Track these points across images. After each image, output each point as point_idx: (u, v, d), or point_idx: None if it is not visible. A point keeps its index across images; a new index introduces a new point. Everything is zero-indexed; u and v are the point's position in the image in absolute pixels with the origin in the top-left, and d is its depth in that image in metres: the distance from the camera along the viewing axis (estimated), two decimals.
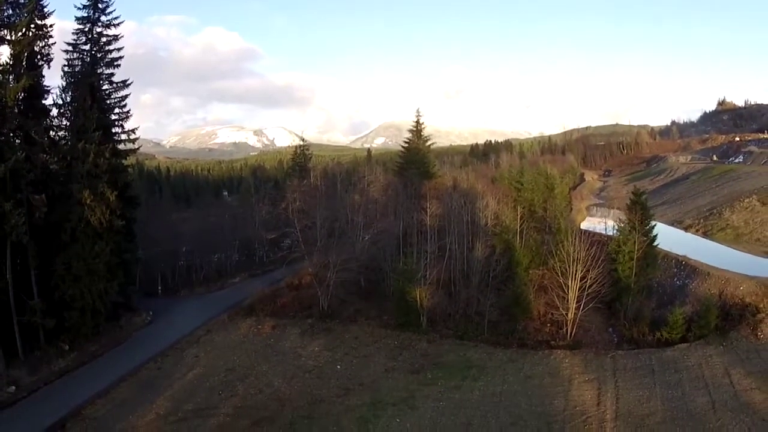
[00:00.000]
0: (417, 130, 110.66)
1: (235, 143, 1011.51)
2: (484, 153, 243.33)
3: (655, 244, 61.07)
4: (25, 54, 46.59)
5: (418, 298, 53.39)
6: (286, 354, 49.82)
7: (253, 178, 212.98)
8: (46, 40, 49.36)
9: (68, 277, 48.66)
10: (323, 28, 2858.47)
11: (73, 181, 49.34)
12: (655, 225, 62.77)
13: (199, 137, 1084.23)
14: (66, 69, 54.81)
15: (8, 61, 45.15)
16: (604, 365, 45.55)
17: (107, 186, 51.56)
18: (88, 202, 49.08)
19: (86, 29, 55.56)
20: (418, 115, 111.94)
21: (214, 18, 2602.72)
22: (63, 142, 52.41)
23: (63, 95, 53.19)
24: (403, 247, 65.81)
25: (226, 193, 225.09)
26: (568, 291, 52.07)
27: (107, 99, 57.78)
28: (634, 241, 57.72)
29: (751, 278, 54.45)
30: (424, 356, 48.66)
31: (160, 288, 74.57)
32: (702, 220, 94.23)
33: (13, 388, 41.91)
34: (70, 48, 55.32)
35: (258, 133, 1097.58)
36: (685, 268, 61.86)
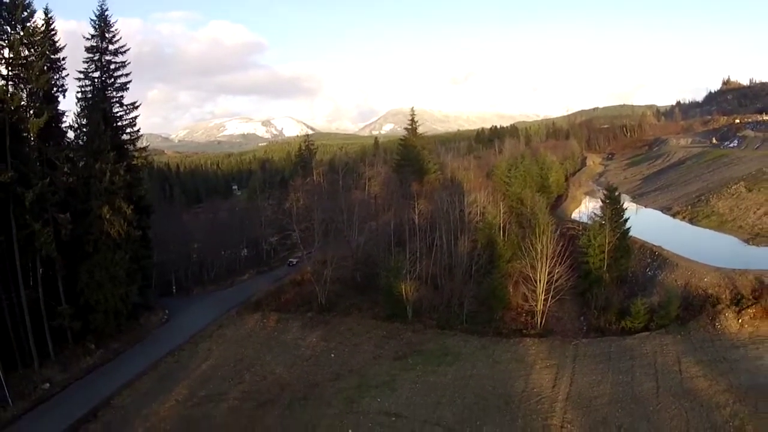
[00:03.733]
0: (412, 128, 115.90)
1: (243, 134, 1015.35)
2: (489, 139, 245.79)
3: (629, 235, 65.53)
4: (43, 90, 51.96)
5: (404, 292, 58.93)
6: (287, 345, 56.02)
7: (261, 172, 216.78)
8: (60, 72, 55.13)
9: (92, 283, 54.60)
10: (328, 15, 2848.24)
11: (92, 198, 55.06)
12: (628, 218, 66.56)
13: (208, 130, 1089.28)
14: (79, 95, 60.77)
15: (27, 99, 50.60)
16: (566, 352, 50.08)
17: (123, 200, 57.40)
18: (107, 216, 54.92)
19: (95, 58, 61.23)
20: (413, 114, 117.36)
21: (218, 11, 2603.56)
22: (81, 162, 57.97)
23: (78, 119, 59.28)
24: (394, 244, 71.11)
25: (235, 188, 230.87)
26: (537, 284, 57.00)
27: (119, 120, 63.50)
28: (605, 235, 62.26)
29: (716, 270, 56.80)
30: (408, 344, 54.39)
31: (174, 288, 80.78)
32: (689, 207, 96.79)
33: (48, 384, 47.44)
34: (82, 76, 61.01)
35: (266, 123, 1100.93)
36: (658, 258, 65.21)
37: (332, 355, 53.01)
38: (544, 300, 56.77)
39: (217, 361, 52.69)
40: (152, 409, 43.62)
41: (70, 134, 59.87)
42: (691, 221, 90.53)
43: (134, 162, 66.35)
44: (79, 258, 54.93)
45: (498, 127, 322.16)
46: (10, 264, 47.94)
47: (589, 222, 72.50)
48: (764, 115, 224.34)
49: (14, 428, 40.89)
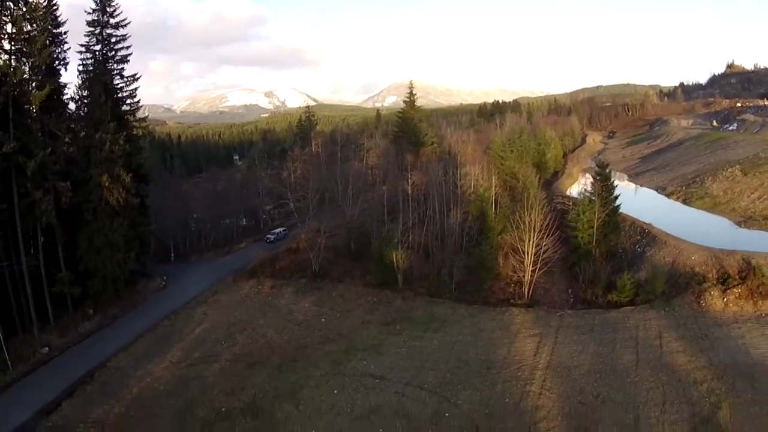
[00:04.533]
0: (411, 101, 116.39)
1: (246, 106, 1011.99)
2: (491, 113, 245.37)
3: (619, 212, 66.69)
4: (45, 64, 52.95)
5: (395, 260, 60.36)
6: (280, 310, 57.67)
7: (263, 142, 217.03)
8: (61, 46, 56.28)
9: (91, 250, 56.05)
10: None
11: (92, 167, 56.25)
12: (618, 195, 67.28)
13: (210, 101, 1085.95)
14: (80, 68, 61.70)
15: (30, 72, 51.57)
16: (551, 322, 51.45)
17: (123, 169, 58.50)
18: (106, 184, 56.15)
19: (97, 32, 61.86)
20: (411, 86, 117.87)
21: None
22: (82, 132, 59.27)
23: (79, 91, 60.46)
24: (388, 215, 72.41)
25: (236, 158, 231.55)
26: (525, 255, 58.41)
27: (119, 92, 64.42)
28: (594, 211, 63.45)
29: (704, 249, 57.76)
30: (397, 311, 56.06)
31: (172, 255, 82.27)
32: (684, 188, 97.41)
33: (46, 348, 48.94)
34: (83, 49, 61.80)
35: (269, 95, 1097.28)
36: (647, 236, 66.45)
37: (323, 320, 54.60)
38: (531, 271, 58.17)
39: (211, 325, 54.31)
40: (147, 370, 45.26)
41: (72, 106, 61.19)
42: (685, 202, 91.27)
43: (134, 132, 67.36)
44: (79, 225, 56.32)
45: (500, 101, 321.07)
46: (12, 231, 49.22)
47: (579, 197, 73.54)
48: (766, 100, 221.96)
49: (13, 390, 42.35)
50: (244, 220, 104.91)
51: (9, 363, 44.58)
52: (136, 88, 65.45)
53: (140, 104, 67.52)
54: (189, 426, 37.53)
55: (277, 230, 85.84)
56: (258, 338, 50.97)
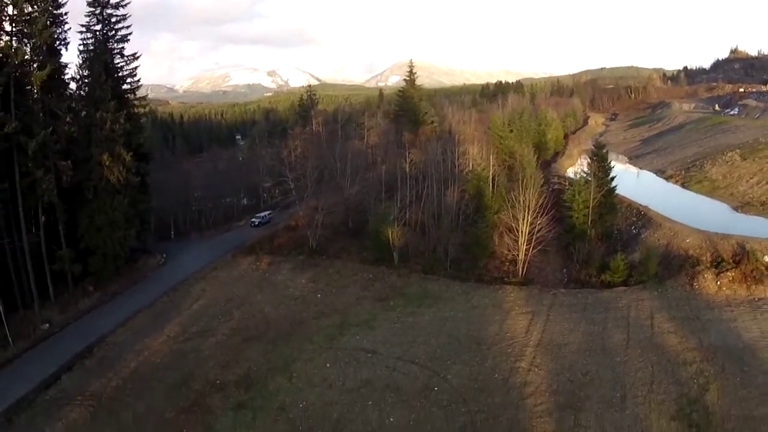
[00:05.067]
0: (411, 80, 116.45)
1: (249, 85, 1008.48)
2: (493, 93, 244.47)
3: (615, 193, 67.12)
4: (46, 44, 53.15)
5: (390, 237, 61.01)
6: (277, 286, 58.53)
7: (265, 122, 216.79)
8: (62, 26, 56.27)
9: (91, 228, 56.64)
10: None
11: (93, 145, 56.62)
12: (614, 177, 67.68)
13: (213, 80, 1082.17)
14: (80, 48, 62.13)
15: (31, 53, 51.79)
16: (544, 301, 52.18)
17: (123, 148, 58.90)
18: (107, 163, 56.52)
19: (97, 11, 62.25)
20: (412, 65, 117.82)
21: None
22: (82, 112, 59.52)
23: (80, 71, 60.80)
24: (385, 192, 73.04)
25: (239, 137, 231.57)
26: (519, 234, 58.92)
27: (120, 71, 64.87)
28: (590, 191, 63.75)
29: (698, 232, 58.49)
30: (392, 287, 56.87)
31: (173, 232, 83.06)
32: (683, 171, 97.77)
33: (47, 325, 49.60)
34: (83, 29, 62.16)
35: (272, 74, 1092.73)
36: (643, 218, 67.10)
37: (318, 296, 55.50)
38: (525, 250, 58.67)
39: (209, 301, 55.09)
40: (145, 345, 46.13)
41: (72, 85, 61.47)
42: (684, 185, 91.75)
43: (134, 111, 67.87)
44: (80, 204, 56.80)
45: (503, 82, 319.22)
46: (14, 210, 49.72)
47: (575, 178, 73.90)
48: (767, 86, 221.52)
49: (14, 365, 43.08)
50: (245, 200, 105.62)
51: (10, 339, 45.27)
52: (136, 67, 66.05)
53: (141, 83, 68.02)
54: (184, 398, 38.47)
55: (262, 214, 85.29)
56: (254, 313, 51.85)
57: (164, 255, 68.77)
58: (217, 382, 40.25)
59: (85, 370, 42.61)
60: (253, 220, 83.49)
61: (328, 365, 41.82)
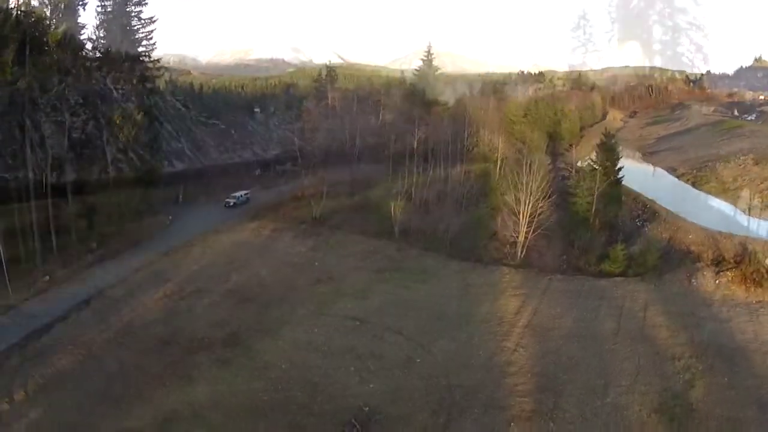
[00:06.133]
0: (428, 60, 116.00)
1: (271, 59, 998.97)
2: (515, 83, 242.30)
3: (621, 184, 66.35)
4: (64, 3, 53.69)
5: (393, 211, 61.29)
6: (277, 252, 58.97)
7: (285, 96, 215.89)
8: None
9: (98, 185, 57.44)
10: None
11: (104, 104, 57.21)
12: (621, 167, 66.96)
13: (236, 53, 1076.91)
14: (98, 9, 62.80)
15: (50, 12, 52.36)
16: (539, 284, 51.83)
17: (135, 108, 59.52)
18: (117, 122, 57.25)
19: None
20: (430, 46, 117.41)
21: None
22: (97, 72, 59.78)
23: (96, 32, 61.50)
24: (393, 169, 73.18)
25: (258, 110, 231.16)
26: (520, 216, 58.60)
27: (135, 33, 65.24)
28: (594, 180, 63.24)
29: (702, 229, 58.10)
30: (390, 261, 56.99)
31: (181, 196, 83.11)
32: (695, 171, 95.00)
33: (47, 277, 50.17)
34: None
35: (296, 50, 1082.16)
36: (648, 211, 66.49)
37: (316, 264, 55.76)
38: (525, 232, 58.40)
39: (208, 263, 55.49)
40: (140, 301, 46.76)
41: (89, 46, 62.07)
42: (694, 184, 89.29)
43: (147, 74, 68.10)
44: (87, 161, 57.54)
45: (525, 72, 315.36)
46: (22, 164, 50.61)
47: (582, 165, 73.30)
48: None
49: (10, 314, 43.73)
50: (258, 170, 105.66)
51: (9, 289, 45.95)
52: (152, 30, 66.69)
53: (156, 46, 68.48)
54: (170, 352, 39.09)
55: (238, 193, 78.57)
56: (251, 277, 52.22)
57: (170, 217, 69.09)
58: (205, 339, 40.70)
59: (79, 320, 43.29)
60: (227, 200, 76.01)
61: (315, 330, 42.20)
